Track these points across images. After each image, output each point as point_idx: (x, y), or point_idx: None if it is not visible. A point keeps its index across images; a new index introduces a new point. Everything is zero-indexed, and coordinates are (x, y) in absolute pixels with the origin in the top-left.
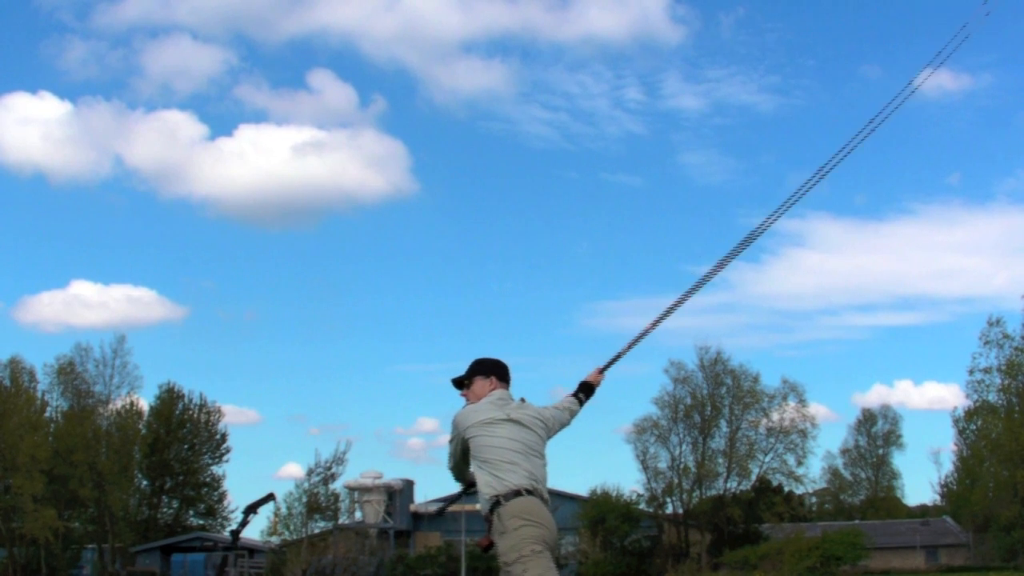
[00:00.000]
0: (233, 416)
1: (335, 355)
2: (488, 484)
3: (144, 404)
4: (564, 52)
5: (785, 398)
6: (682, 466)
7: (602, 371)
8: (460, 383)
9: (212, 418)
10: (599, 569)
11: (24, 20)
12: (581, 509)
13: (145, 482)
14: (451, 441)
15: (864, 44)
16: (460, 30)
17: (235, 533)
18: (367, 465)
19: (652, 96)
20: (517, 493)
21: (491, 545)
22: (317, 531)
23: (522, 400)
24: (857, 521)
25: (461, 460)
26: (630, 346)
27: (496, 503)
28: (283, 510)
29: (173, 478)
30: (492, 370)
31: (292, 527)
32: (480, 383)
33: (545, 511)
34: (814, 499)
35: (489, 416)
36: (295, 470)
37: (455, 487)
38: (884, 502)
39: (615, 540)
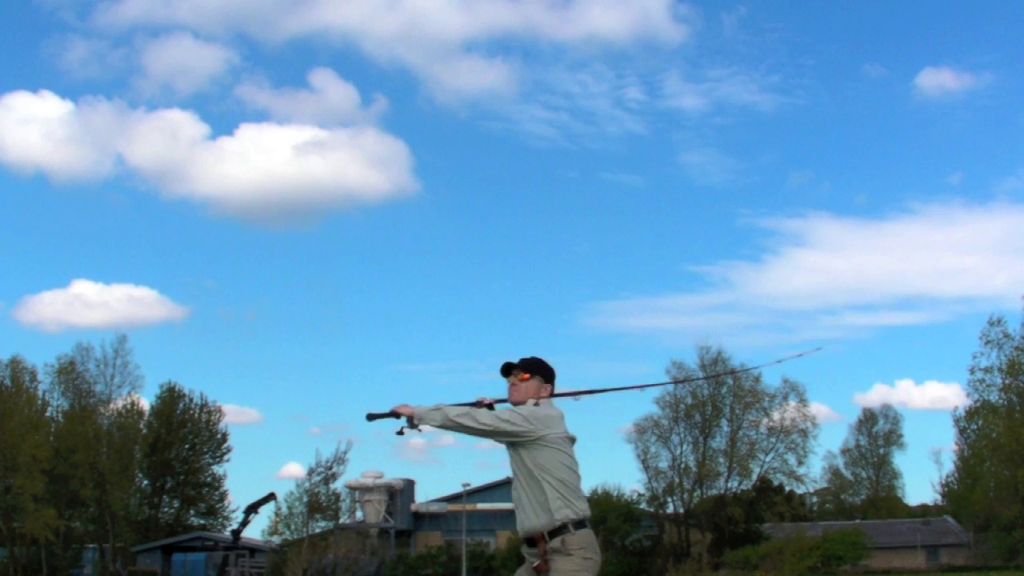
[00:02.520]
0: (234, 416)
1: (336, 354)
2: (559, 508)
3: (145, 404)
4: (565, 51)
5: (786, 398)
6: (683, 466)
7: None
8: (509, 370)
9: (213, 418)
10: (600, 569)
11: (25, 19)
12: None
13: (146, 482)
14: (515, 423)
15: (865, 43)
16: (461, 29)
17: (236, 533)
18: (368, 465)
19: (653, 96)
20: (583, 523)
21: (548, 570)
22: (318, 531)
23: None
24: (858, 521)
25: (479, 436)
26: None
27: (563, 528)
28: (284, 510)
29: (174, 478)
30: (551, 380)
31: (293, 527)
32: (537, 386)
33: (597, 543)
34: (815, 499)
35: (563, 429)
36: (296, 470)
37: (451, 486)
38: (885, 502)
39: (616, 540)
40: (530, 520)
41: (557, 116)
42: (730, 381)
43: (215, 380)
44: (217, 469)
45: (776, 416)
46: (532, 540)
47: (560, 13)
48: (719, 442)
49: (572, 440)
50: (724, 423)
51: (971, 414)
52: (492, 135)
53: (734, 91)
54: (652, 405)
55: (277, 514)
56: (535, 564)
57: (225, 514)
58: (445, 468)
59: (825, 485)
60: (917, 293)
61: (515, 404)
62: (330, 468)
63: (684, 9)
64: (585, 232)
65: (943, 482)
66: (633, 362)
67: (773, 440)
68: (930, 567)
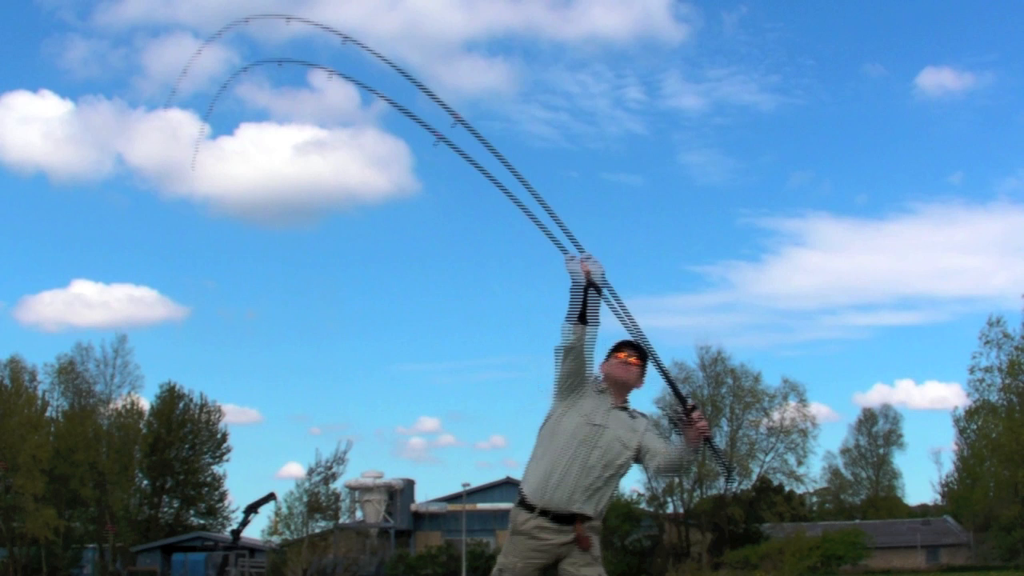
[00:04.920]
0: (234, 415)
1: (336, 354)
2: (606, 508)
3: (145, 404)
4: (565, 51)
5: (786, 398)
6: None
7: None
8: (644, 356)
9: (213, 417)
10: None
11: (25, 19)
12: None
13: (146, 482)
14: (645, 421)
15: (865, 43)
16: (462, 29)
17: (236, 533)
18: (368, 465)
19: (653, 96)
20: None
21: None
22: (318, 531)
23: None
24: (858, 521)
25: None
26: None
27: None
28: (284, 510)
29: (174, 478)
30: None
31: (293, 527)
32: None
33: None
34: (815, 499)
35: None
36: (296, 470)
37: (451, 486)
38: (885, 502)
39: (616, 540)
40: (580, 504)
41: (557, 116)
42: (730, 381)
43: (215, 380)
44: (217, 469)
45: (776, 416)
46: (568, 518)
47: (560, 13)
48: (719, 442)
49: None
50: (724, 423)
51: (971, 414)
52: (492, 135)
53: (734, 91)
54: (652, 406)
55: (277, 514)
56: (574, 537)
57: (225, 514)
58: (445, 468)
59: (825, 485)
60: (917, 293)
61: (621, 381)
62: (330, 468)
63: (684, 9)
64: (585, 232)
65: (943, 482)
66: None
67: (773, 440)
68: (930, 567)
